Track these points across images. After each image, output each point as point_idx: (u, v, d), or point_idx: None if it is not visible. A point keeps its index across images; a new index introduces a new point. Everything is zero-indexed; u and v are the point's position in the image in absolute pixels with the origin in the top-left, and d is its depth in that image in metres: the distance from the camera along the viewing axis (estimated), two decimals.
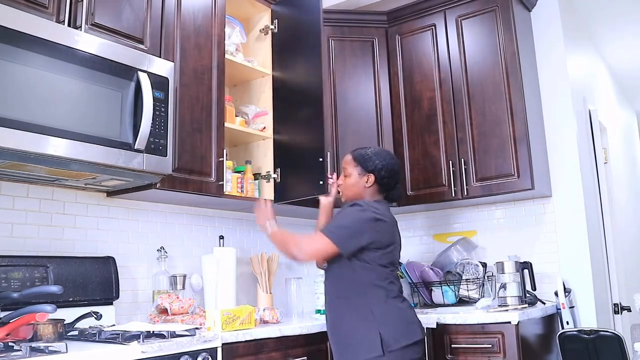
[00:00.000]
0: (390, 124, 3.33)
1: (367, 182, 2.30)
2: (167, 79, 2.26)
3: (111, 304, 2.31)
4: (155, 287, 2.54)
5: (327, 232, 2.17)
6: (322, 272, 2.40)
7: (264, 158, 2.98)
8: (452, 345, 2.59)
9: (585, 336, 2.68)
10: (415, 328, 2.18)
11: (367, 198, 2.29)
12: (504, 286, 2.86)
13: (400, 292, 2.25)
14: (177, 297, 2.35)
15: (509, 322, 2.48)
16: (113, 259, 2.36)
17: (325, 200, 2.56)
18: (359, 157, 2.33)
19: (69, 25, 2.02)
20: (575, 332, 2.73)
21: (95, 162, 1.99)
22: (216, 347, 1.97)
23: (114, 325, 2.18)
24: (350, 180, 2.33)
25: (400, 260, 3.36)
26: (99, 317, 2.08)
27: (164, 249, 2.61)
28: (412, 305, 3.22)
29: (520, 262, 2.91)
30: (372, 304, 2.13)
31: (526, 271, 2.92)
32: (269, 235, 2.34)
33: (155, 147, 2.17)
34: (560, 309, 2.90)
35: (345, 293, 2.20)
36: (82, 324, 2.06)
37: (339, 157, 3.20)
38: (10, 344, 1.61)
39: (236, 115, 2.88)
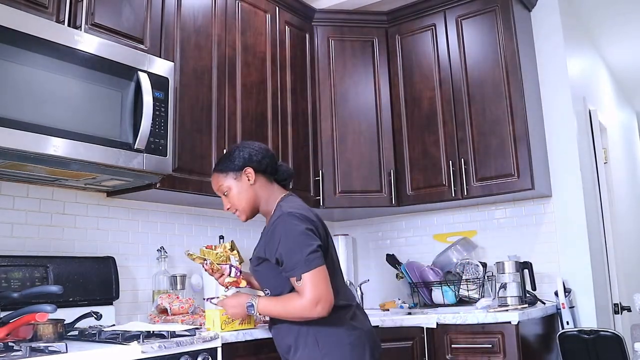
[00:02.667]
0: (390, 124, 3.33)
1: (249, 179, 1.94)
2: (167, 79, 2.26)
3: (111, 304, 2.31)
4: (155, 287, 2.54)
5: (305, 266, 1.75)
6: None
7: None
8: (452, 345, 2.59)
9: (585, 336, 2.68)
10: None
11: (263, 196, 1.96)
12: (504, 286, 2.86)
13: None
14: (177, 297, 2.35)
15: (509, 322, 2.48)
16: (113, 259, 2.36)
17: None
18: (222, 165, 1.98)
19: (69, 25, 2.02)
20: (575, 332, 2.73)
21: (95, 162, 1.99)
22: (216, 347, 1.96)
23: (114, 325, 2.18)
24: (233, 192, 1.95)
25: (399, 261, 3.40)
26: (99, 317, 2.07)
27: (164, 249, 2.61)
28: (412, 305, 3.24)
29: (520, 262, 2.91)
30: None
31: (526, 271, 2.92)
32: (259, 315, 2.01)
33: (155, 147, 2.17)
34: (560, 309, 2.90)
35: None
36: (82, 324, 2.06)
37: (339, 157, 3.20)
38: (10, 344, 1.61)
39: None
